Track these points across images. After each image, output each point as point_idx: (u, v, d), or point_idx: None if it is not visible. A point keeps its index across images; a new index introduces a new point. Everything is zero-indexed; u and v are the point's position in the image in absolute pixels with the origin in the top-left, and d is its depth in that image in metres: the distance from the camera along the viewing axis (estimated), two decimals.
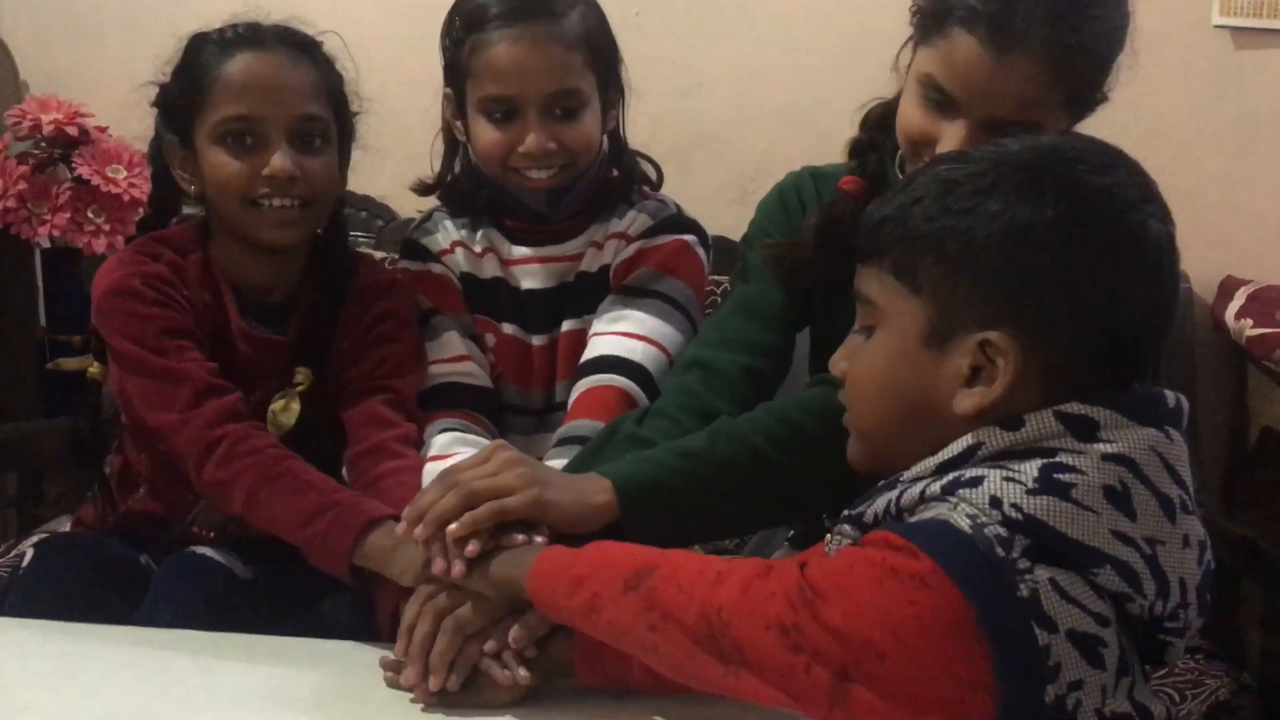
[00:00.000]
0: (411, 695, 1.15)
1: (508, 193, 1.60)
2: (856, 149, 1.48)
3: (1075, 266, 0.92)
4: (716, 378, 1.40)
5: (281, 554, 1.38)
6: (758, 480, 1.25)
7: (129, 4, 2.43)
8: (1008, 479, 0.89)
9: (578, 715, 1.14)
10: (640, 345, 1.52)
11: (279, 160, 1.42)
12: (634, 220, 1.61)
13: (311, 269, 1.54)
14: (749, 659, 0.92)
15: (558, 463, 1.40)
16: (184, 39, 1.50)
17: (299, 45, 1.49)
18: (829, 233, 1.43)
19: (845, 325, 1.46)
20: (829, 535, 1.03)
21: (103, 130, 2.16)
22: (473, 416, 1.55)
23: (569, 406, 1.53)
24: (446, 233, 1.65)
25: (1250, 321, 2.06)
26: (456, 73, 1.57)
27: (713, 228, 1.70)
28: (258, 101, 1.43)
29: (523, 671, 1.13)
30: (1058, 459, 0.89)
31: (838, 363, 1.04)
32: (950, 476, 0.92)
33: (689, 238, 1.62)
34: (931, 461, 0.95)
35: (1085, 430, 0.90)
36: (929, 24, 1.30)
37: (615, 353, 1.52)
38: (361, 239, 2.15)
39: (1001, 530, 0.87)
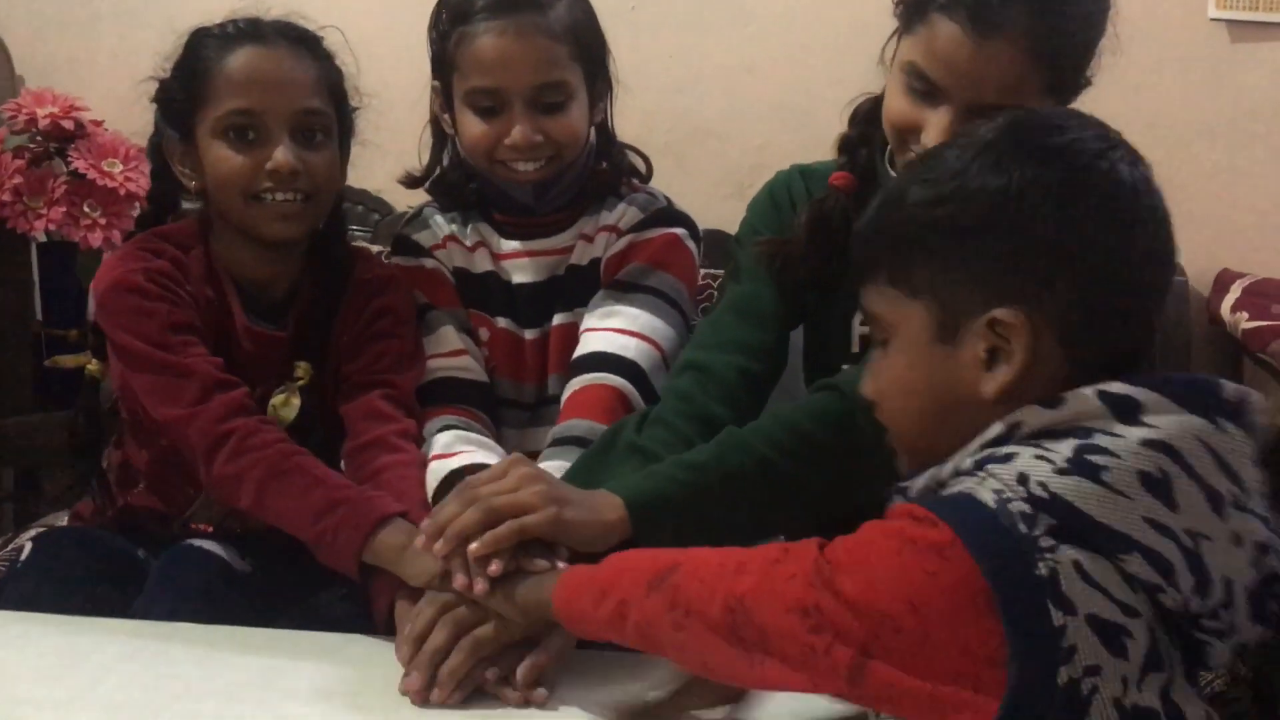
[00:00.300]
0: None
1: (495, 186, 1.60)
2: (846, 145, 1.49)
3: (1055, 226, 0.92)
4: (712, 381, 1.40)
5: (278, 547, 1.38)
6: (767, 490, 1.26)
7: None
8: (1039, 456, 0.88)
9: (578, 711, 1.14)
10: (633, 342, 1.52)
11: (281, 155, 1.43)
12: (624, 213, 1.61)
13: (311, 264, 1.55)
14: (771, 646, 0.92)
15: (555, 463, 1.40)
16: (183, 34, 1.50)
17: (300, 40, 1.49)
18: (820, 228, 1.44)
19: (838, 322, 1.48)
20: (888, 510, 1.03)
21: (98, 124, 2.16)
22: (471, 412, 1.55)
23: (563, 405, 1.52)
24: (438, 227, 1.65)
25: (1246, 314, 2.06)
26: (443, 65, 1.57)
27: (708, 223, 1.70)
28: (260, 95, 1.44)
29: (541, 690, 1.14)
30: (1093, 439, 0.87)
31: (865, 386, 1.04)
32: (984, 453, 0.91)
33: (679, 231, 1.61)
34: (975, 443, 0.94)
35: (1127, 411, 0.88)
36: (911, 13, 1.31)
37: (608, 350, 1.52)
38: (358, 233, 2.15)
39: (1026, 507, 0.86)
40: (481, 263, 1.63)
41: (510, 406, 1.63)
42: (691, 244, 1.62)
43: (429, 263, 1.63)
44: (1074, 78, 1.32)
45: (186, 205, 1.58)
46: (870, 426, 1.31)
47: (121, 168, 2.10)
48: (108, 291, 1.44)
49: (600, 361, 1.51)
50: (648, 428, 1.35)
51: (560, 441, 1.46)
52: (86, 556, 1.44)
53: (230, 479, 1.34)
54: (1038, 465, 0.87)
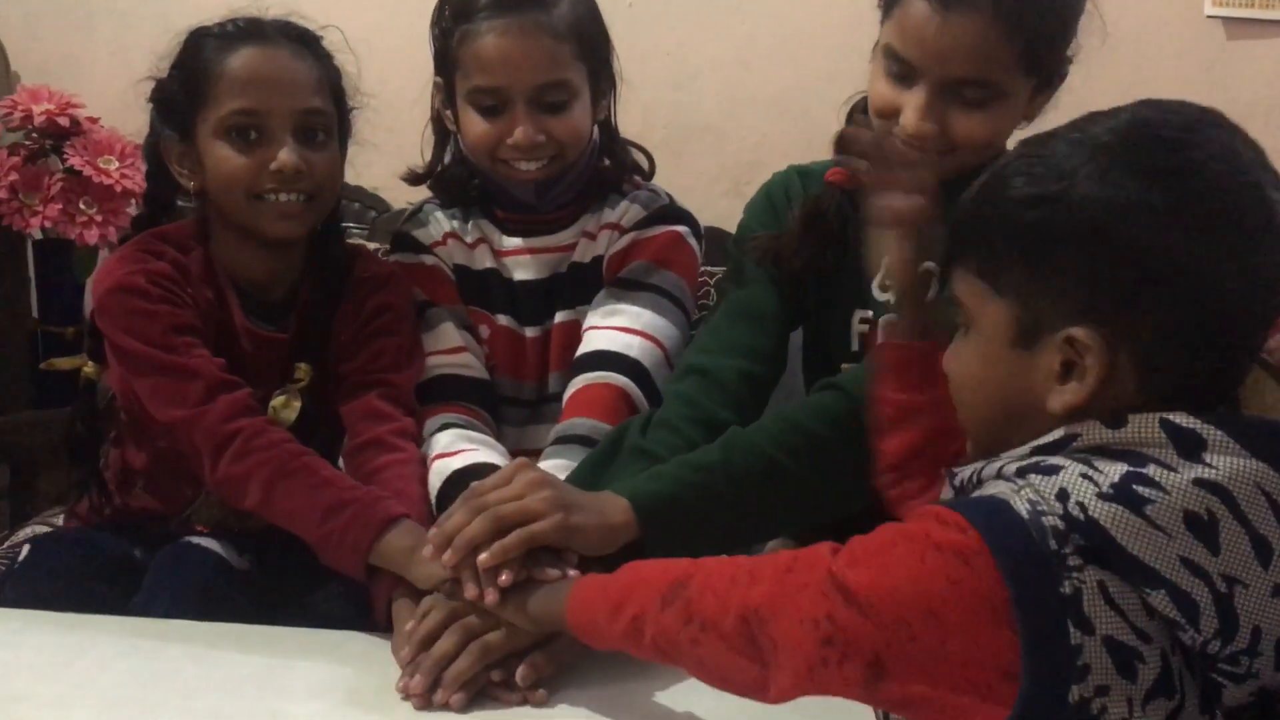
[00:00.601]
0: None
1: (497, 183, 1.60)
2: (840, 142, 1.49)
3: (1155, 251, 0.87)
4: (715, 384, 1.41)
5: (276, 544, 1.38)
6: (773, 489, 1.26)
7: None
8: (1085, 476, 0.86)
9: (577, 710, 1.14)
10: (636, 340, 1.52)
11: (285, 155, 1.42)
12: (626, 211, 1.61)
13: (310, 264, 1.54)
14: (783, 657, 0.91)
15: (558, 462, 1.41)
16: (180, 33, 1.50)
17: (301, 39, 1.49)
18: (814, 221, 1.44)
19: (838, 322, 1.48)
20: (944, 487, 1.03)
21: (94, 121, 2.15)
22: (471, 410, 1.55)
23: (565, 403, 1.52)
24: (438, 224, 1.64)
25: None
26: (445, 63, 1.56)
27: (706, 219, 1.70)
28: (263, 95, 1.43)
29: (541, 692, 1.15)
30: (1145, 470, 0.85)
31: (948, 362, 1.03)
32: (1032, 460, 0.90)
33: (682, 229, 1.61)
34: (1028, 446, 0.92)
35: (1189, 447, 0.85)
36: (891, 3, 1.33)
37: (611, 348, 1.52)
38: (354, 230, 2.15)
39: (1059, 524, 0.84)
40: (482, 260, 1.63)
41: (510, 404, 1.63)
42: (694, 242, 1.63)
43: (429, 259, 1.63)
44: (1050, 54, 1.32)
45: (181, 204, 1.58)
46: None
47: (118, 165, 2.10)
48: (108, 295, 1.43)
49: (603, 360, 1.51)
50: (652, 431, 1.36)
51: (563, 440, 1.46)
52: (83, 558, 1.44)
53: (236, 479, 1.34)
54: (1082, 485, 0.85)
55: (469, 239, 1.64)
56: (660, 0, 2.34)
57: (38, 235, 2.17)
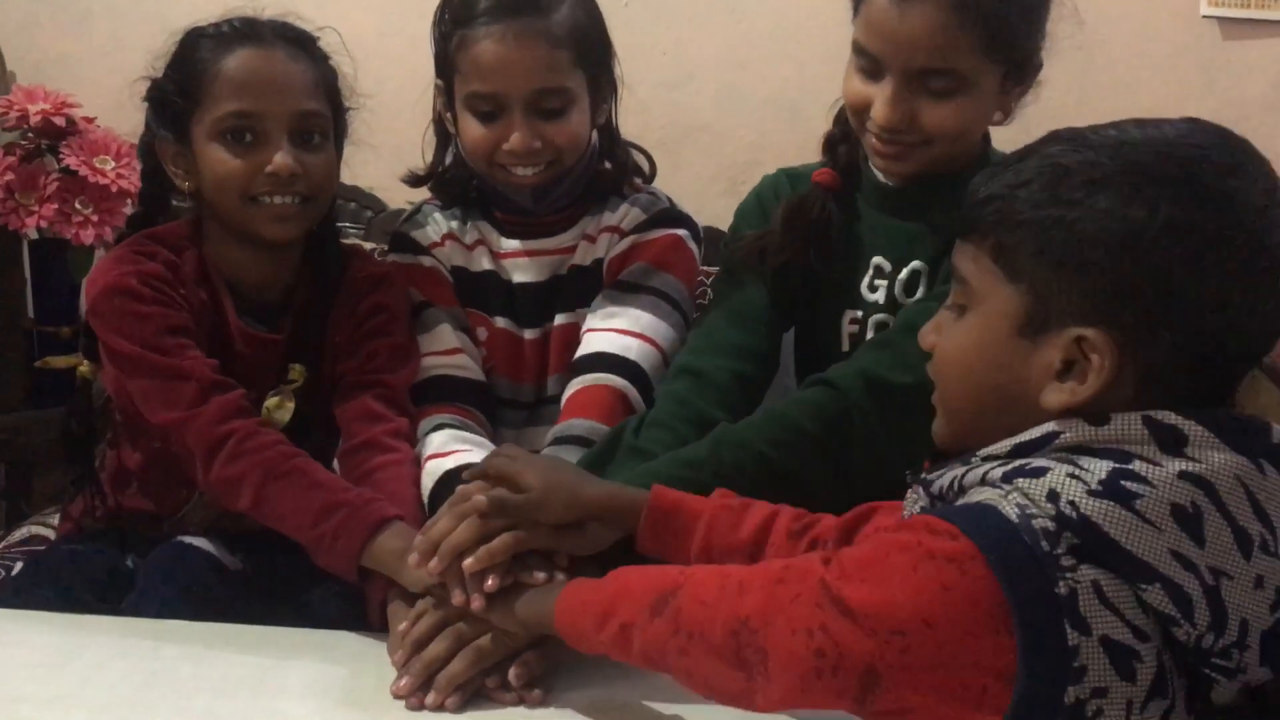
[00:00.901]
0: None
1: (495, 186, 1.60)
2: (828, 143, 1.51)
3: (1185, 273, 0.87)
4: (708, 385, 1.41)
5: (270, 544, 1.38)
6: (762, 484, 1.26)
7: None
8: (1072, 475, 0.86)
9: (567, 711, 1.15)
10: (635, 343, 1.52)
11: (281, 158, 1.42)
12: (626, 213, 1.61)
13: (305, 265, 1.54)
14: (774, 668, 0.90)
15: None
16: (176, 33, 1.49)
17: (297, 41, 1.48)
18: (796, 216, 1.46)
19: (828, 321, 1.49)
20: (908, 493, 1.02)
21: (90, 121, 2.15)
22: (466, 411, 1.55)
23: (564, 404, 1.53)
24: (437, 225, 1.64)
25: None
26: (445, 66, 1.56)
27: (703, 219, 1.70)
28: (259, 98, 1.43)
29: (537, 692, 1.15)
30: (1131, 466, 0.86)
31: (926, 335, 1.02)
32: (1016, 463, 0.90)
33: (681, 232, 1.61)
34: (1008, 442, 0.92)
35: (1170, 442, 0.87)
36: None
37: (610, 350, 1.52)
38: (351, 230, 2.14)
39: (1050, 524, 0.85)
40: (481, 262, 1.63)
41: (508, 406, 1.63)
42: (693, 245, 1.63)
43: (426, 261, 1.63)
44: (1013, 38, 1.32)
45: (176, 203, 1.57)
46: (863, 420, 1.32)
47: (113, 164, 2.10)
48: (101, 296, 1.43)
49: (602, 362, 1.52)
50: (646, 430, 1.36)
51: (560, 440, 1.46)
52: (74, 571, 1.43)
53: (229, 481, 1.34)
54: (1071, 484, 0.86)
55: (468, 240, 1.64)
56: (657, 1, 2.34)
57: (33, 235, 2.16)
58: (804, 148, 1.59)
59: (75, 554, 1.48)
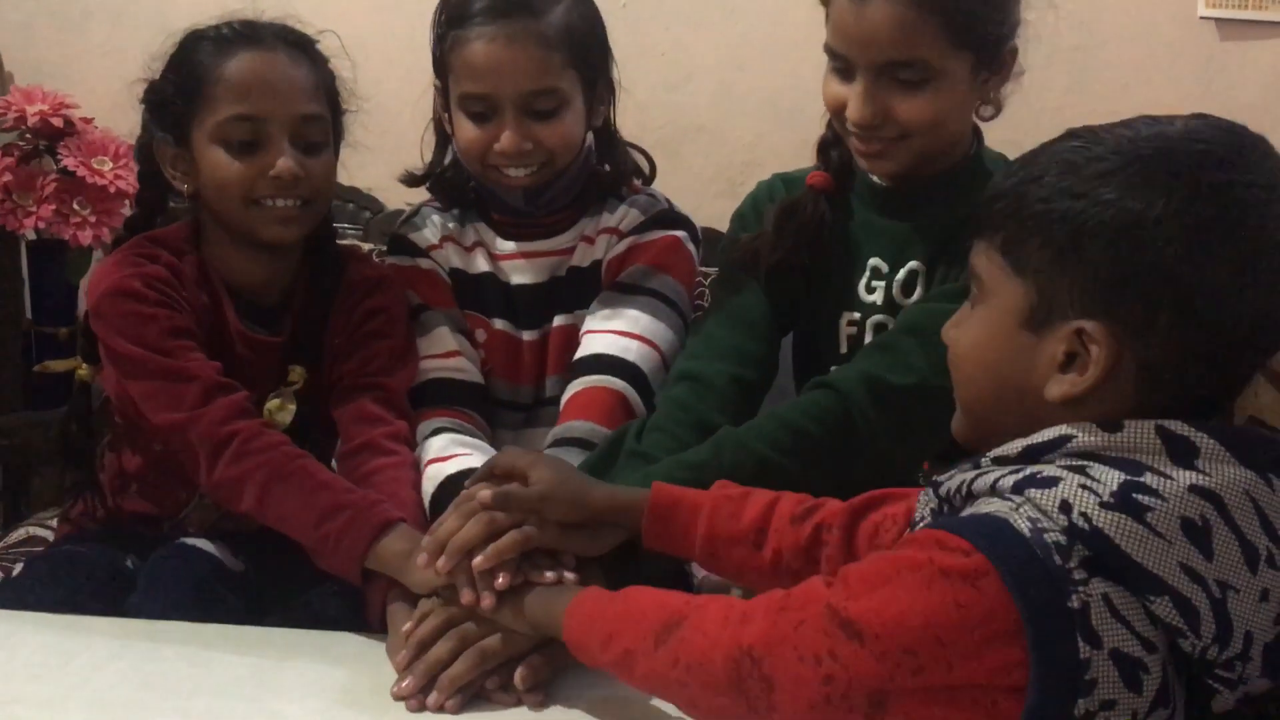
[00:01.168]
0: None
1: (489, 187, 1.60)
2: (822, 146, 1.52)
3: (1183, 265, 0.87)
4: (707, 389, 1.41)
5: (270, 545, 1.38)
6: (764, 487, 1.25)
7: None
8: (1084, 486, 0.86)
9: (569, 711, 1.14)
10: (634, 344, 1.52)
11: (284, 163, 1.42)
12: (625, 215, 1.61)
13: (304, 268, 1.54)
14: (780, 696, 0.90)
15: None
16: (174, 34, 1.49)
17: (297, 44, 1.48)
18: (787, 217, 1.47)
19: (827, 324, 1.49)
20: (920, 495, 1.03)
21: (88, 121, 2.15)
22: (465, 414, 1.55)
23: (563, 406, 1.52)
24: (435, 227, 1.64)
25: None
26: (441, 66, 1.56)
27: (700, 219, 1.70)
28: (260, 101, 1.42)
29: (538, 695, 1.15)
30: (1142, 478, 0.86)
31: (946, 330, 1.03)
32: (1026, 473, 0.90)
33: (680, 234, 1.61)
34: (1019, 443, 0.92)
35: (1182, 454, 0.87)
36: (826, 3, 1.38)
37: (609, 352, 1.52)
38: (349, 231, 2.15)
39: (1061, 538, 0.85)
40: (479, 263, 1.63)
41: (506, 408, 1.63)
42: (691, 246, 1.63)
43: (424, 263, 1.62)
44: (977, 27, 1.33)
45: (173, 204, 1.57)
46: (864, 422, 1.32)
47: (111, 165, 2.10)
48: (104, 298, 1.42)
49: (602, 364, 1.52)
50: (647, 435, 1.37)
51: (560, 442, 1.46)
52: (74, 573, 1.43)
53: (232, 482, 1.34)
54: (1082, 495, 0.86)
55: (466, 242, 1.64)
56: (654, 1, 2.34)
57: (31, 236, 2.16)
58: (802, 149, 1.59)
59: (75, 555, 1.47)
